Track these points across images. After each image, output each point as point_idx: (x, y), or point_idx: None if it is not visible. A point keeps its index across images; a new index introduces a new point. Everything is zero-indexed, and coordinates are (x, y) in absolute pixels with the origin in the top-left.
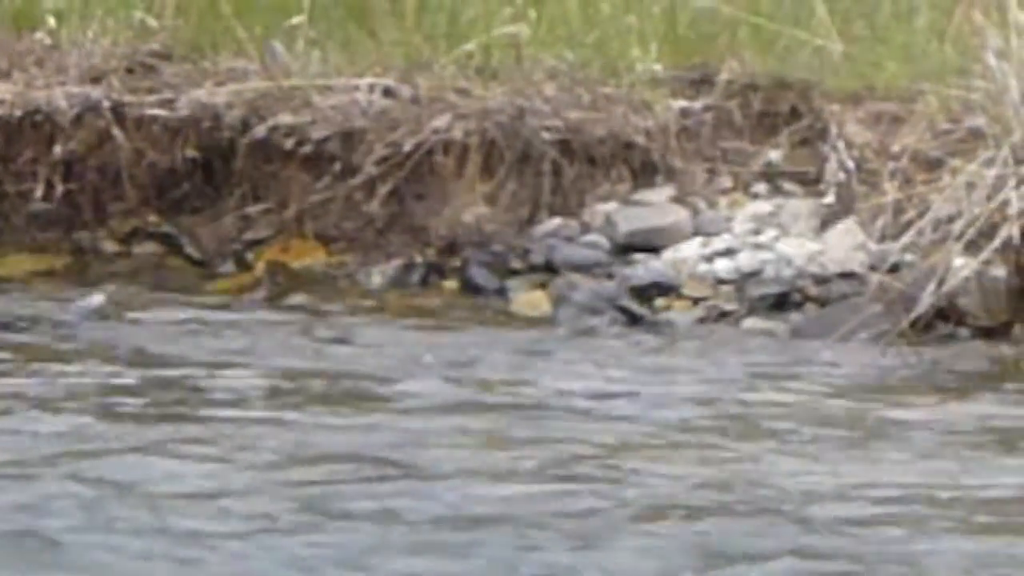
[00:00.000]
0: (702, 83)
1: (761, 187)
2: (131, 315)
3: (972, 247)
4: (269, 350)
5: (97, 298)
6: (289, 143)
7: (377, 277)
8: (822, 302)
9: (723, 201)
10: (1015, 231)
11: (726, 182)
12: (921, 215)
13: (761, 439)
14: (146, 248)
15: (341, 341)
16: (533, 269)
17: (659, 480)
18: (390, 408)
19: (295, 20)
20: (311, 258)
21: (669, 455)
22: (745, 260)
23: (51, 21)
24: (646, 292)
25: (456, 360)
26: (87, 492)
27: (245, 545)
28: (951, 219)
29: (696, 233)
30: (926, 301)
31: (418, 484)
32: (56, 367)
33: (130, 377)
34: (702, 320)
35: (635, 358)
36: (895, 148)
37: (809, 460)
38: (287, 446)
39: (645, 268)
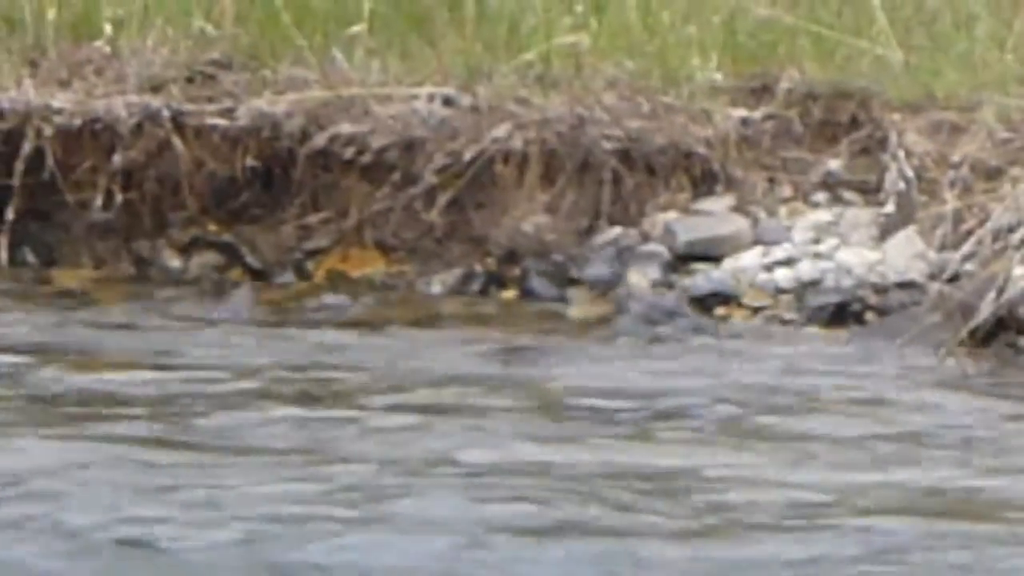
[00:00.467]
0: (762, 92)
1: (821, 196)
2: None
3: None
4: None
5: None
6: (349, 152)
7: (437, 286)
8: (882, 311)
9: (783, 210)
10: None
11: (786, 191)
12: (981, 224)
13: (825, 444)
14: (206, 258)
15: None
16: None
17: (740, 481)
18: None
19: (355, 29)
20: (371, 267)
21: (742, 458)
22: (805, 269)
23: (110, 30)
24: (706, 301)
25: (522, 367)
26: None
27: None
28: (1011, 228)
29: (756, 242)
30: (986, 310)
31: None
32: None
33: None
34: (762, 329)
35: (696, 365)
36: (955, 157)
37: (871, 467)
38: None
39: (705, 277)
